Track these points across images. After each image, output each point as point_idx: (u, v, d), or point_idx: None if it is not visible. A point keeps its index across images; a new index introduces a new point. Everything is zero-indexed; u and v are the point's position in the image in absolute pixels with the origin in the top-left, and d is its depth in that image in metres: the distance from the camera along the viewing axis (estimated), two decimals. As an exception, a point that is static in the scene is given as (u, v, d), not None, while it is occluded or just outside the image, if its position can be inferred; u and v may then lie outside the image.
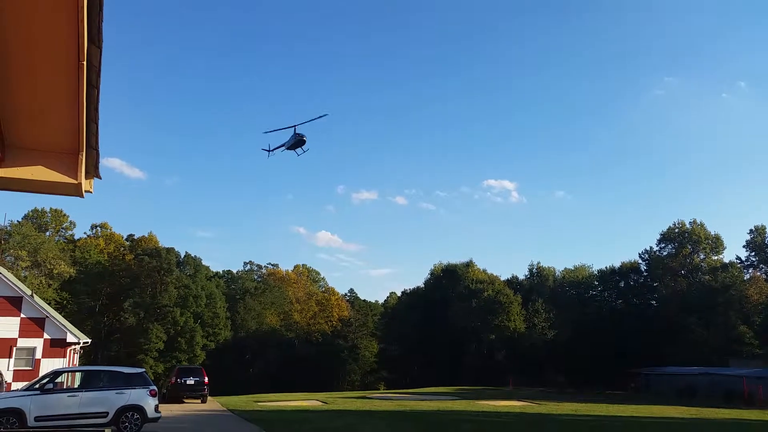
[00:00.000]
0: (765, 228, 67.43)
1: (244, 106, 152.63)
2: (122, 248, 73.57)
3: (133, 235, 75.30)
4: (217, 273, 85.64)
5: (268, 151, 55.37)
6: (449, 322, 69.10)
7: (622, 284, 73.49)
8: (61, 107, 4.45)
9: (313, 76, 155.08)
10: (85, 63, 3.96)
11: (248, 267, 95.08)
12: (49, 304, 41.64)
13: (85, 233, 76.00)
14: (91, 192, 5.59)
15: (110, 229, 76.59)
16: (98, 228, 76.62)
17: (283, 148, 52.66)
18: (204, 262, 76.12)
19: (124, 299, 65.76)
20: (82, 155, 5.04)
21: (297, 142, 51.06)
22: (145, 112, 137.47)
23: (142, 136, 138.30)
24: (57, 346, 29.11)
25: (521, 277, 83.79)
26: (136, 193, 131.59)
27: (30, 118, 4.70)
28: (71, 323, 36.31)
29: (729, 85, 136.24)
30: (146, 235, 74.16)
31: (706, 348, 55.29)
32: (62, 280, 57.41)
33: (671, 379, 49.00)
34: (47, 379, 16.99)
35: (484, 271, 79.11)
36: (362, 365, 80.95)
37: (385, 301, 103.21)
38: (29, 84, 4.25)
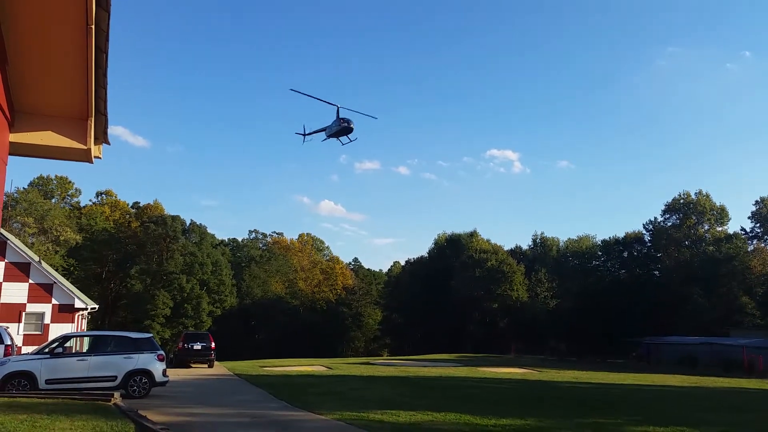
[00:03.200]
0: (771, 199, 67.12)
1: (249, 74, 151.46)
2: (128, 215, 73.94)
3: (139, 202, 75.71)
4: (222, 241, 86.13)
5: (303, 135, 49.68)
6: (452, 291, 69.57)
7: (625, 254, 73.58)
8: (70, 72, 4.47)
9: (317, 43, 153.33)
10: (93, 27, 3.96)
11: (253, 235, 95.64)
12: (56, 270, 42.10)
13: (90, 200, 76.48)
14: (100, 158, 5.63)
15: (115, 197, 76.90)
16: (103, 195, 76.96)
17: (324, 134, 46.66)
18: (209, 231, 76.63)
19: (130, 266, 66.34)
20: (91, 120, 5.06)
21: (341, 130, 44.60)
22: (148, 80, 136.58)
23: (146, 105, 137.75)
24: (65, 312, 29.55)
25: (525, 247, 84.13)
26: (141, 161, 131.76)
27: (39, 83, 4.72)
28: (78, 289, 36.75)
29: (733, 55, 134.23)
30: (151, 203, 74.50)
31: (707, 318, 55.59)
32: (69, 247, 57.83)
33: (672, 349, 49.40)
34: (57, 343, 17.28)
35: (488, 241, 79.37)
36: (366, 333, 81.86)
37: (389, 270, 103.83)
38: (38, 48, 4.26)
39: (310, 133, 48.69)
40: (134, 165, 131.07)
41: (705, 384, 29.36)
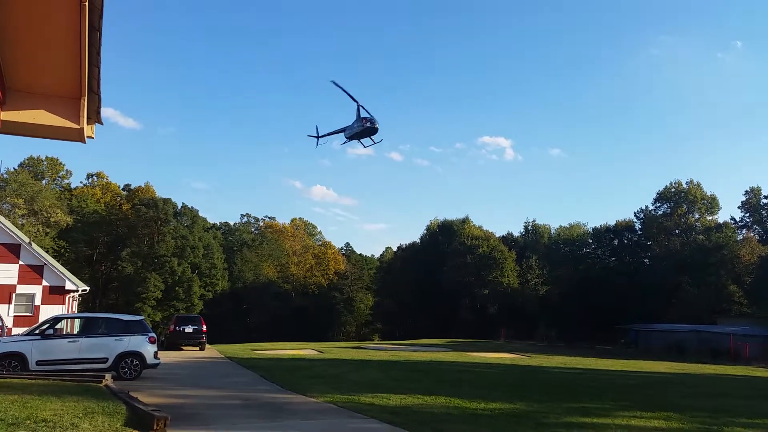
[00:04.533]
0: (760, 189, 67.69)
1: (241, 56, 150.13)
2: (119, 198, 73.55)
3: (130, 185, 75.23)
4: (214, 225, 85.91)
5: (317, 137, 45.31)
6: (444, 277, 69.83)
7: (616, 242, 74.00)
8: (63, 50, 4.42)
9: (307, 27, 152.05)
10: (87, 4, 3.91)
11: (245, 219, 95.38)
12: (46, 252, 41.87)
13: (81, 182, 75.91)
14: (92, 138, 5.59)
15: (106, 179, 76.40)
16: (94, 177, 76.41)
17: (345, 136, 42.37)
18: (201, 214, 76.33)
19: (121, 248, 66.12)
20: (84, 100, 5.02)
21: (364, 131, 40.42)
22: (138, 61, 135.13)
23: (136, 86, 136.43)
24: (56, 293, 29.46)
25: (516, 234, 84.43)
26: (132, 143, 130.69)
27: (31, 61, 4.66)
28: (69, 271, 36.61)
29: (724, 45, 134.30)
30: (143, 186, 74.04)
31: (696, 306, 56.12)
32: (59, 229, 57.50)
33: (661, 336, 49.94)
34: (47, 324, 17.25)
35: (480, 227, 79.56)
36: (357, 317, 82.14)
37: (381, 255, 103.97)
38: (31, 26, 4.20)
39: (325, 135, 44.74)
40: (125, 147, 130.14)
41: (692, 371, 29.75)
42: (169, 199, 69.04)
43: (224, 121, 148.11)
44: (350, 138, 42.10)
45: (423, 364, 26.24)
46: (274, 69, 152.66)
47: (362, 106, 41.19)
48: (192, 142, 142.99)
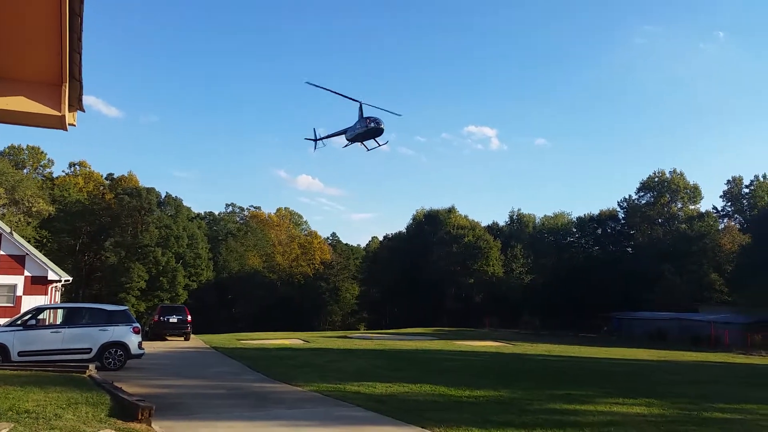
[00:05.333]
0: (742, 179, 68.55)
1: (226, 45, 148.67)
2: (102, 187, 72.74)
3: (113, 174, 74.44)
4: (198, 214, 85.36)
5: (315, 140, 42.40)
6: (430, 267, 70.07)
7: (599, 231, 74.67)
8: (43, 35, 4.32)
9: (291, 16, 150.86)
10: (67, -12, 3.84)
11: (230, 209, 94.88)
12: (28, 242, 41.39)
13: (63, 171, 74.98)
14: (74, 125, 5.50)
15: (89, 168, 75.51)
16: (76, 166, 75.49)
17: (346, 138, 39.41)
18: (185, 203, 75.77)
19: (104, 238, 65.51)
20: (65, 86, 4.93)
21: (368, 132, 37.40)
22: (121, 49, 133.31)
23: (119, 75, 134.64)
24: (38, 284, 29.17)
25: (501, 223, 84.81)
26: (114, 132, 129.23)
27: (10, 45, 4.57)
28: (52, 261, 36.24)
29: (707, 35, 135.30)
30: (126, 175, 73.28)
31: (678, 294, 56.86)
32: (41, 219, 56.82)
33: (643, 324, 50.60)
34: (30, 315, 17.08)
35: (466, 217, 79.85)
36: (343, 306, 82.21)
37: (367, 245, 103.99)
38: (9, 9, 4.11)
39: (324, 138, 41.95)
40: (108, 136, 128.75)
41: (673, 358, 30.19)
42: (153, 189, 68.49)
43: (208, 109, 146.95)
44: (352, 140, 39.06)
45: (408, 352, 26.38)
46: (259, 57, 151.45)
47: (367, 104, 38.44)
48: (176, 131, 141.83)
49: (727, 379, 20.34)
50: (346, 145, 40.51)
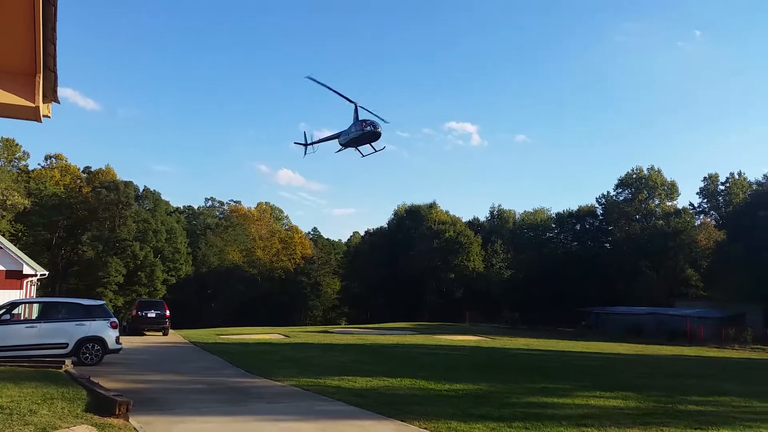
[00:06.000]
0: (718, 176, 69.68)
1: (205, 37, 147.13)
2: (79, 180, 71.69)
3: (90, 167, 73.35)
4: (177, 208, 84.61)
5: (305, 145, 39.79)
6: (411, 262, 70.28)
7: (578, 227, 75.45)
8: (16, 24, 4.24)
9: (273, 7, 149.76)
10: (41, -23, 3.77)
11: (210, 203, 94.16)
12: (3, 235, 40.64)
13: (39, 164, 73.68)
14: (49, 117, 5.42)
15: (65, 161, 74.35)
16: (53, 159, 74.25)
17: (339, 143, 37.02)
18: (163, 197, 75.01)
19: (81, 232, 64.66)
20: (39, 77, 4.85)
21: (364, 136, 35.15)
22: (99, 40, 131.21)
23: (96, 67, 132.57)
24: (13, 278, 28.68)
25: (482, 218, 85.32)
26: (91, 124, 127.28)
27: (-18, 35, 4.48)
28: (27, 255, 35.64)
29: (685, 34, 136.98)
30: (103, 168, 72.28)
31: (655, 289, 57.74)
32: (16, 212, 55.84)
33: (620, 318, 51.26)
34: (4, 310, 16.77)
35: (447, 212, 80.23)
36: (324, 301, 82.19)
37: (348, 240, 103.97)
38: (-20, -3, 4.02)
39: (315, 142, 39.45)
40: (85, 129, 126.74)
41: (650, 352, 30.68)
42: (131, 182, 67.73)
43: (188, 103, 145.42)
44: (346, 145, 36.68)
45: (389, 347, 26.45)
46: (239, 51, 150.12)
47: (362, 107, 35.95)
48: (154, 125, 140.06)
49: (702, 373, 20.72)
50: (339, 150, 37.82)
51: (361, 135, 34.95)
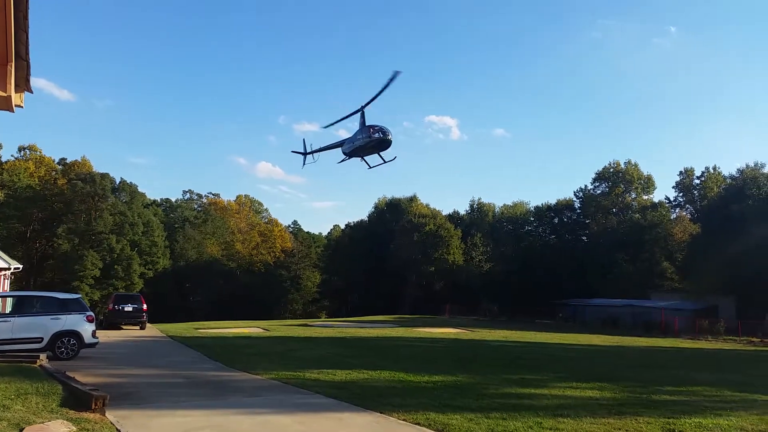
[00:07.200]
0: (693, 170, 70.71)
1: (183, 27, 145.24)
2: (54, 172, 70.38)
3: (66, 159, 72.07)
4: (154, 201, 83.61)
5: (304, 154, 36.35)
6: (391, 255, 70.36)
7: (556, 220, 76.12)
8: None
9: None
10: (12, -36, 3.69)
11: (188, 196, 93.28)
12: (-25, 228, 39.84)
13: (12, 156, 72.10)
14: (21, 107, 5.31)
15: (40, 152, 72.86)
16: (27, 150, 72.75)
17: (343, 152, 33.76)
18: (140, 190, 74.04)
19: (57, 225, 63.60)
20: (11, 66, 4.75)
21: (372, 144, 31.35)
22: (73, 30, 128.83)
23: (71, 57, 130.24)
24: (-14, 272, 28.14)
25: (462, 212, 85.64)
26: (67, 116, 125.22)
27: (-49, 22, 4.38)
28: (1, 249, 34.97)
29: (660, 30, 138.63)
30: (79, 160, 71.05)
31: (631, 282, 58.55)
32: (-11, 204, 54.78)
33: (596, 310, 51.98)
34: (-23, 304, 16.51)
35: (427, 205, 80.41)
36: (304, 295, 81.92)
37: (329, 233, 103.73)
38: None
39: (315, 151, 36.03)
40: (60, 120, 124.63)
41: (625, 343, 31.16)
42: (107, 174, 66.70)
43: (165, 95, 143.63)
44: (350, 154, 33.22)
45: (369, 340, 26.52)
46: (217, 43, 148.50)
47: (365, 105, 32.05)
48: (131, 116, 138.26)
49: (676, 363, 21.12)
50: (342, 160, 34.36)
51: (368, 143, 31.41)
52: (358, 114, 31.68)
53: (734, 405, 11.65)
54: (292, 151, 39.31)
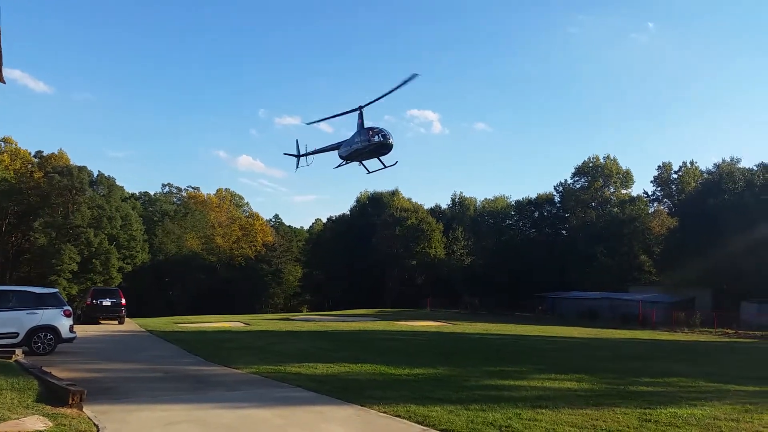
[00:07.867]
0: (671, 165, 71.72)
1: (164, 19, 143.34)
2: (30, 165, 69.09)
3: (42, 151, 70.76)
4: (133, 194, 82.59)
5: (298, 156, 34.51)
6: (373, 249, 70.42)
7: (536, 214, 76.71)
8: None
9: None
10: (-19, -50, 3.60)
11: (167, 189, 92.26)
12: (-52, 222, 39.07)
13: (-14, 148, 70.68)
14: (-7, 97, 5.22)
15: (15, 145, 71.48)
16: (1, 143, 71.33)
17: (339, 155, 31.87)
18: (118, 183, 73.04)
19: (33, 218, 62.57)
20: (-19, 55, 4.65)
21: (371, 148, 29.44)
22: (50, 20, 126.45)
23: (47, 48, 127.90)
24: (-40, 266, 27.63)
25: (444, 206, 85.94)
26: (43, 108, 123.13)
27: None
28: (-25, 243, 34.38)
29: (638, 26, 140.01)
30: (56, 153, 69.85)
31: (609, 275, 59.29)
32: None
33: (575, 303, 52.58)
34: (-50, 299, 16.18)
35: (409, 199, 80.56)
36: (285, 289, 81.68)
37: (310, 227, 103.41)
38: None
39: (309, 153, 34.26)
40: (36, 112, 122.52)
41: (604, 336, 31.54)
42: (84, 167, 65.62)
43: (144, 88, 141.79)
44: (347, 158, 31.31)
45: (351, 333, 26.52)
46: (196, 35, 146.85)
47: (365, 105, 30.48)
48: (109, 109, 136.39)
49: (653, 355, 21.44)
50: (338, 165, 32.23)
51: (368, 147, 29.37)
52: (354, 113, 30.15)
53: (708, 395, 11.87)
54: (285, 154, 36.70)
